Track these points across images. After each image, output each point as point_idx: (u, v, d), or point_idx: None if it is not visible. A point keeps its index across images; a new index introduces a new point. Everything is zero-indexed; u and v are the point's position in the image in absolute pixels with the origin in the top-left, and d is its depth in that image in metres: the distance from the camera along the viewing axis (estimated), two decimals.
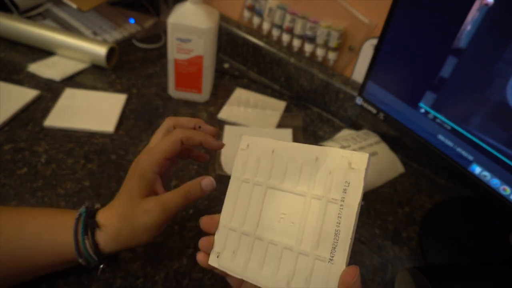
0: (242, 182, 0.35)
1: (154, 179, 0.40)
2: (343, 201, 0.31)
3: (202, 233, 0.52)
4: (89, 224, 0.39)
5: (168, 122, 0.43)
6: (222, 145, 0.42)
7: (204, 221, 0.36)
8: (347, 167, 0.31)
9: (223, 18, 0.86)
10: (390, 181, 0.66)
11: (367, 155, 0.30)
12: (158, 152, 0.40)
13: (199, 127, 0.43)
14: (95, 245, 0.39)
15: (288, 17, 0.75)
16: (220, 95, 0.78)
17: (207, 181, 0.40)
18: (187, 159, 0.46)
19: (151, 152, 0.40)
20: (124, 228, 0.39)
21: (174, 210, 0.39)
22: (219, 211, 0.56)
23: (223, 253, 0.35)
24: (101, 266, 0.42)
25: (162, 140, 0.41)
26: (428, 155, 0.67)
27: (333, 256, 0.30)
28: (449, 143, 0.52)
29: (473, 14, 0.44)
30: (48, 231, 0.39)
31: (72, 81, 0.74)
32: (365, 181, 0.30)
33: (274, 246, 0.32)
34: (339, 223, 0.30)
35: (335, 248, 0.30)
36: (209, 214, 0.55)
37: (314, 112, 0.78)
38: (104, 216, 0.40)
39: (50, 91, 0.70)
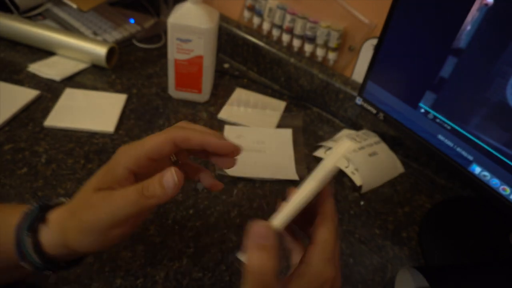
0: None
1: (122, 176, 0.33)
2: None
3: (202, 233, 0.52)
4: (36, 219, 0.33)
5: (180, 123, 0.36)
6: (235, 150, 0.35)
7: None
8: None
9: (223, 18, 0.86)
10: (390, 181, 0.66)
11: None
12: (141, 147, 0.33)
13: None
14: (37, 244, 0.32)
15: (288, 17, 0.75)
16: (220, 95, 0.78)
17: (168, 177, 0.31)
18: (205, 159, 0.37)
19: (133, 145, 0.33)
20: (71, 227, 0.32)
21: (124, 210, 0.31)
22: (219, 211, 0.57)
23: None
24: (48, 273, 0.34)
25: (151, 135, 0.33)
26: (428, 155, 0.67)
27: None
28: (449, 143, 0.52)
29: (473, 14, 0.44)
30: None
31: (72, 81, 0.74)
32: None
33: None
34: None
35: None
36: (208, 214, 0.55)
37: (314, 112, 0.78)
38: (56, 211, 0.34)
39: (50, 91, 0.70)
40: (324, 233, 0.31)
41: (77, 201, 0.33)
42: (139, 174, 0.34)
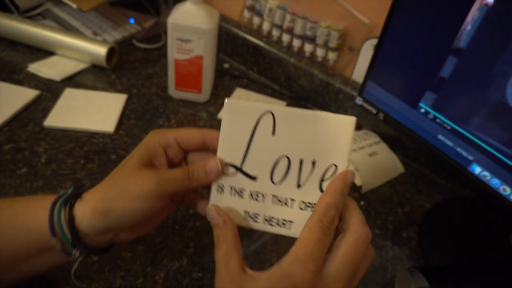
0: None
1: (159, 153, 0.35)
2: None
3: (202, 233, 0.52)
4: (71, 196, 0.34)
5: None
6: None
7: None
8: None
9: (223, 18, 0.86)
10: (390, 181, 0.66)
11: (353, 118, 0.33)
12: (175, 132, 0.36)
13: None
14: (71, 218, 0.33)
15: (288, 17, 0.75)
16: (220, 95, 0.78)
17: (212, 164, 0.34)
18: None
19: (167, 130, 0.36)
20: (108, 193, 0.34)
21: (172, 185, 0.34)
22: None
23: None
24: (75, 253, 0.35)
25: (186, 127, 0.37)
26: (428, 155, 0.67)
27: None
28: (449, 143, 0.52)
29: (473, 14, 0.44)
30: (25, 213, 0.35)
31: (72, 81, 0.74)
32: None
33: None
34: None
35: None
36: None
37: None
38: (93, 189, 0.35)
39: (50, 91, 0.70)
40: (346, 242, 0.31)
41: (119, 175, 0.35)
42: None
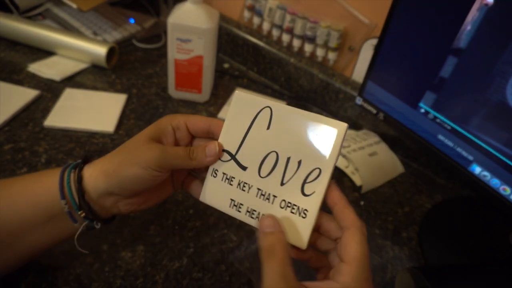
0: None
1: (168, 132, 0.37)
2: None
3: (202, 233, 0.52)
4: (80, 163, 0.37)
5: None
6: None
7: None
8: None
9: (223, 18, 0.86)
10: (390, 181, 0.66)
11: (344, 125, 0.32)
12: (186, 116, 0.38)
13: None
14: (79, 178, 0.36)
15: (288, 17, 0.75)
16: (220, 95, 0.78)
17: (211, 146, 0.36)
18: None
19: (179, 114, 0.39)
20: (115, 158, 0.36)
21: (173, 160, 0.36)
22: (219, 211, 0.57)
23: None
24: (81, 214, 0.37)
25: (196, 115, 0.39)
26: (428, 155, 0.67)
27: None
28: (449, 143, 0.52)
29: (473, 14, 0.44)
30: (34, 181, 0.37)
31: (72, 81, 0.74)
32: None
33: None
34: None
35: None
36: (208, 214, 0.55)
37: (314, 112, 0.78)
38: (101, 158, 0.38)
39: (50, 91, 0.70)
40: (357, 250, 0.30)
41: (128, 145, 0.37)
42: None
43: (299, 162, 0.33)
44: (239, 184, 0.35)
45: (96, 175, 0.37)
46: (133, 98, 0.73)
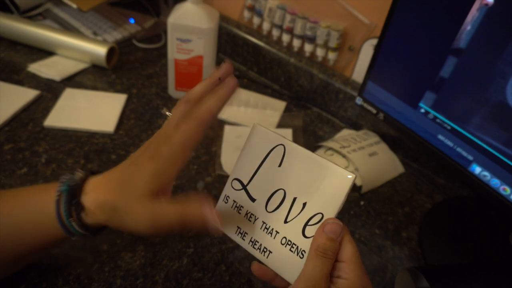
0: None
1: (173, 177, 0.35)
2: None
3: (202, 233, 0.52)
4: (73, 204, 0.35)
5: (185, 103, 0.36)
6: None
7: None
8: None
9: (223, 18, 0.86)
10: (390, 181, 0.66)
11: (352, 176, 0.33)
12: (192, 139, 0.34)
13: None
14: (83, 225, 0.36)
15: (288, 17, 0.75)
16: None
17: (210, 218, 0.33)
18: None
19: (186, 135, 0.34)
20: (116, 192, 0.35)
21: (165, 228, 0.34)
22: None
23: None
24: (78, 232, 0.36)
25: (192, 122, 0.34)
26: (428, 155, 0.67)
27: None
28: (449, 143, 0.52)
29: (473, 14, 0.44)
30: (31, 217, 0.37)
31: (72, 81, 0.74)
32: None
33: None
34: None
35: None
36: None
37: (314, 112, 0.78)
38: (99, 183, 0.36)
39: (50, 91, 0.70)
40: (352, 248, 0.33)
41: (126, 189, 0.35)
42: None
43: (304, 204, 0.34)
44: (246, 214, 0.36)
45: (94, 209, 0.35)
46: (133, 98, 0.73)
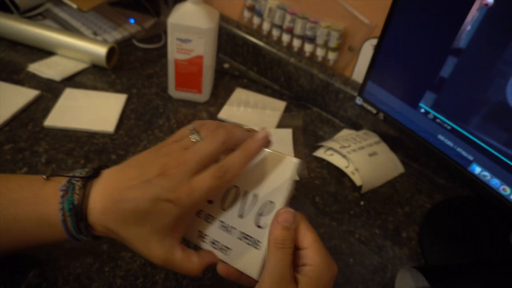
0: None
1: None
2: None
3: None
4: (81, 226, 0.35)
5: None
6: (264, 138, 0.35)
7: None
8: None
9: (223, 18, 0.86)
10: (390, 181, 0.66)
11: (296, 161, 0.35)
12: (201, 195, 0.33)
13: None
14: (91, 236, 0.36)
15: (288, 17, 0.75)
16: (220, 95, 0.78)
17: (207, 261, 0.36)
18: None
19: (193, 192, 0.32)
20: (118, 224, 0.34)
21: (177, 270, 0.36)
22: None
23: None
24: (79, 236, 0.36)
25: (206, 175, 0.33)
26: (428, 155, 0.67)
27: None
28: (449, 143, 0.52)
29: (473, 14, 0.44)
30: (35, 226, 0.35)
31: (72, 81, 0.74)
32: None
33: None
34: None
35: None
36: None
37: (314, 112, 0.78)
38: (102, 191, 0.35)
39: (50, 91, 0.70)
40: (310, 235, 0.34)
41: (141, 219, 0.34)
42: None
43: (255, 196, 0.35)
44: (206, 216, 0.37)
45: (104, 231, 0.35)
46: (133, 98, 0.73)
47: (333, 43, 0.72)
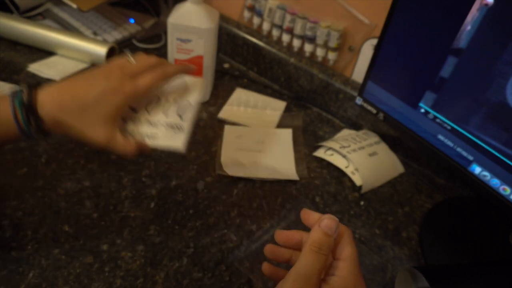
0: None
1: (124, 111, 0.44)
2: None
3: (202, 233, 0.52)
4: (31, 119, 0.39)
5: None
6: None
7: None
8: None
9: (223, 18, 0.86)
10: (390, 181, 0.66)
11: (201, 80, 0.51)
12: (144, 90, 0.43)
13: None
14: (41, 132, 0.40)
15: (288, 17, 0.75)
16: (220, 95, 0.78)
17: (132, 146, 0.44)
18: None
19: (137, 86, 0.42)
20: (73, 107, 0.41)
21: (115, 150, 0.43)
22: (219, 211, 0.57)
23: None
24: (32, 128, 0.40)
25: (151, 75, 0.44)
26: (428, 155, 0.67)
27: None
28: (449, 143, 0.52)
29: (473, 14, 0.44)
30: None
31: None
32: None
33: None
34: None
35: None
36: (208, 214, 0.55)
37: (314, 112, 0.78)
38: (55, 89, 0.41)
39: None
40: (348, 248, 0.34)
41: (89, 108, 0.42)
42: None
43: (175, 99, 0.48)
44: (134, 119, 0.46)
45: (51, 124, 0.40)
46: None
47: (333, 43, 0.72)
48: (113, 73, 0.42)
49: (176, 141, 0.46)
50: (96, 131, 0.41)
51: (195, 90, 0.50)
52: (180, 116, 0.47)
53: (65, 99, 0.41)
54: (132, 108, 0.46)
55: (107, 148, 0.42)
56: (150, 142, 0.46)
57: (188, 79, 0.50)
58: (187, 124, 0.47)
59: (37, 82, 0.44)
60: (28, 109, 0.39)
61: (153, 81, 0.44)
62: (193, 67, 0.50)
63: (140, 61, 0.45)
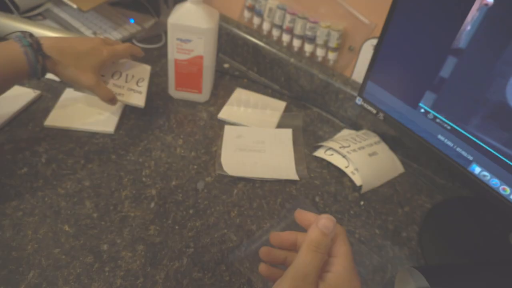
0: None
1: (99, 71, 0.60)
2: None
3: (202, 233, 0.52)
4: (39, 54, 0.52)
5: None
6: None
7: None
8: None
9: (223, 18, 0.86)
10: (390, 181, 0.66)
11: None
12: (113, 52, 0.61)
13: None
14: (44, 69, 0.54)
15: (288, 17, 0.75)
16: (220, 95, 0.78)
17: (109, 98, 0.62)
18: None
19: (113, 50, 0.61)
20: (69, 55, 0.56)
21: (98, 93, 0.60)
22: (219, 211, 0.57)
23: None
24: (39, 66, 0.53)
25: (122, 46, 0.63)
26: (428, 155, 0.67)
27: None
28: (449, 143, 0.52)
29: (473, 14, 0.44)
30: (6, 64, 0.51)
31: None
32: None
33: None
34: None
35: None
36: (208, 214, 0.55)
37: (314, 112, 0.78)
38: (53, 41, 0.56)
39: (51, 91, 0.70)
40: (342, 246, 0.36)
41: (81, 58, 0.58)
42: None
43: (133, 75, 0.66)
44: (106, 83, 0.62)
45: (52, 62, 0.54)
46: None
47: (333, 43, 0.72)
48: (97, 39, 0.60)
49: (138, 100, 0.64)
50: (86, 75, 0.56)
51: (146, 70, 0.68)
52: (137, 84, 0.65)
53: (64, 46, 0.55)
54: (102, 74, 0.62)
55: (92, 90, 0.58)
56: (118, 98, 0.62)
57: (142, 65, 0.68)
58: (144, 88, 0.65)
59: (31, 33, 0.54)
60: (36, 48, 0.52)
61: (125, 48, 0.62)
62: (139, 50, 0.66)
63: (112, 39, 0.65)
